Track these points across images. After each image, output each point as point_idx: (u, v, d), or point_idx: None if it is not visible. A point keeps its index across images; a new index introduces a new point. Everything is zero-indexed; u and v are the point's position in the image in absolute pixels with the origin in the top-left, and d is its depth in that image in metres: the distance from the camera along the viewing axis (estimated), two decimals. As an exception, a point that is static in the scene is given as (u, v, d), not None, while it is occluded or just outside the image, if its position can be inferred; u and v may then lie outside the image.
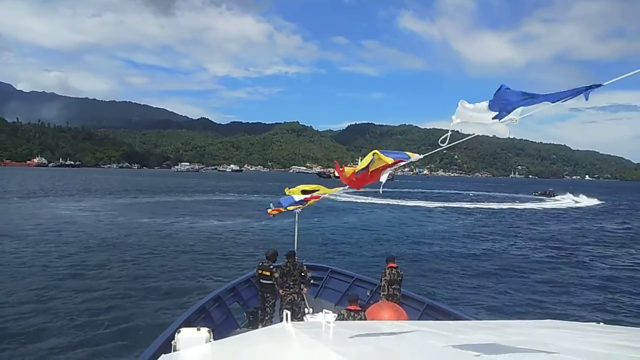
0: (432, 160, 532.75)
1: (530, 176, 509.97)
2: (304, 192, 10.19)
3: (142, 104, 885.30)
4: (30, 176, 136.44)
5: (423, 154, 4.73)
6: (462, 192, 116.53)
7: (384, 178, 4.92)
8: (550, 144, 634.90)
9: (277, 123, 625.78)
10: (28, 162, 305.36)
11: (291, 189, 10.56)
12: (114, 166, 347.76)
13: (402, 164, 4.85)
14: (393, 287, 9.81)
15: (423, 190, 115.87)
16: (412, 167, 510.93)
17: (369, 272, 15.39)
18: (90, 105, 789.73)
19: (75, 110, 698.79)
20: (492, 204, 72.14)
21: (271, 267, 10.12)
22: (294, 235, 12.36)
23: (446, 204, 68.34)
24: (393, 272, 9.90)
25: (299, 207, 10.74)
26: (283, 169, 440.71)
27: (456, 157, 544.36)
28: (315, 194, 10.02)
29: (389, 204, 65.49)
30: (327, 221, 39.78)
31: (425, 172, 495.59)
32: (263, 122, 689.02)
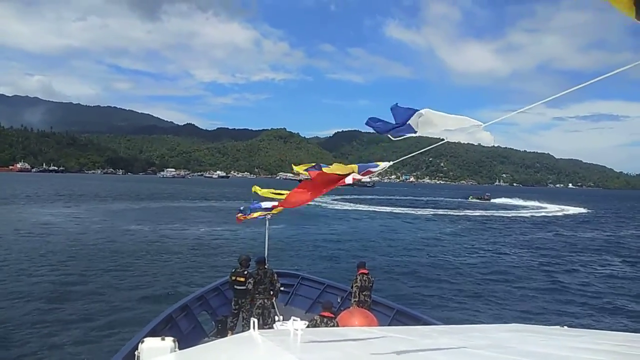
0: (418, 168, 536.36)
1: (514, 184, 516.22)
2: (274, 195, 10.11)
3: (128, 109, 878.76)
4: (13, 181, 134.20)
5: (392, 162, 4.86)
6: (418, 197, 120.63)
7: (340, 184, 5.15)
8: (534, 152, 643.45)
9: (264, 129, 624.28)
10: (11, 167, 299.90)
11: (262, 189, 10.48)
12: (99, 172, 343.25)
13: (370, 174, 5.06)
14: (364, 293, 9.86)
15: (389, 197, 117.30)
16: (399, 174, 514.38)
17: (341, 278, 15.62)
18: (75, 110, 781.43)
19: (59, 115, 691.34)
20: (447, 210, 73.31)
21: (245, 272, 10.10)
22: (265, 241, 12.33)
23: (410, 210, 69.86)
24: (364, 278, 9.94)
25: (268, 214, 10.65)
26: (270, 176, 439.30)
27: (442, 164, 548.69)
28: (281, 201, 9.73)
29: (362, 209, 66.81)
30: (299, 228, 39.71)
31: (412, 179, 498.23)
32: (250, 129, 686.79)
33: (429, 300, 17.99)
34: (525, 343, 3.55)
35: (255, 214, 10.82)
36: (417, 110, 3.91)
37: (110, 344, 11.49)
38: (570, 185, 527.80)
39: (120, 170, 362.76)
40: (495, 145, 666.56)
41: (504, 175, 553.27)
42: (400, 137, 4.15)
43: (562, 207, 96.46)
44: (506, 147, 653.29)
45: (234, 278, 10.07)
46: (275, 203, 9.84)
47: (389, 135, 4.21)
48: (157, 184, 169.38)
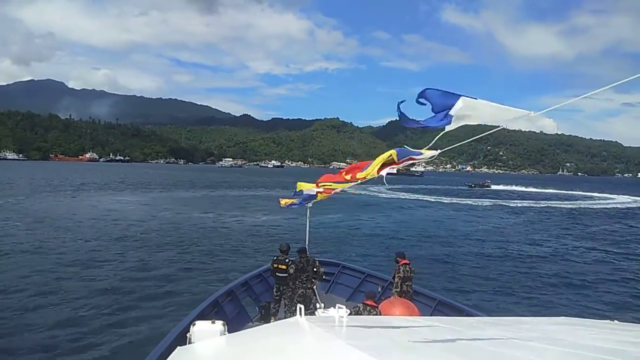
0: (475, 157, 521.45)
1: (579, 173, 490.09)
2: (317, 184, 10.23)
3: (187, 101, 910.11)
4: (83, 170, 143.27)
5: (439, 150, 4.64)
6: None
7: (384, 172, 5.01)
8: (601, 140, 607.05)
9: (317, 119, 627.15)
10: (80, 157, 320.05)
11: (303, 184, 10.38)
12: (162, 161, 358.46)
13: (412, 161, 4.94)
14: (406, 283, 9.82)
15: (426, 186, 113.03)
16: (455, 163, 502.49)
17: (380, 267, 15.66)
18: (138, 102, 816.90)
19: (123, 107, 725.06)
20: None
21: (287, 260, 10.30)
22: (306, 230, 12.40)
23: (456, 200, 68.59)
24: (407, 268, 9.91)
25: (310, 202, 10.71)
26: (323, 165, 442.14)
27: (501, 153, 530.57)
28: (327, 187, 9.61)
29: (411, 198, 66.78)
30: (339, 217, 39.77)
31: (469, 168, 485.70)
32: (303, 119, 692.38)
33: (471, 291, 17.76)
34: (576, 336, 3.50)
35: (297, 200, 10.87)
36: (459, 96, 3.68)
37: (159, 326, 11.92)
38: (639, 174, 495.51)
39: (182, 160, 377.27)
40: (559, 133, 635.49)
41: (567, 164, 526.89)
42: (435, 128, 3.94)
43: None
44: (570, 135, 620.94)
45: (275, 265, 10.36)
46: (320, 190, 9.69)
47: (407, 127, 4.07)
48: (217, 173, 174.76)
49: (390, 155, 4.87)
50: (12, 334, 11.72)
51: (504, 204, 64.33)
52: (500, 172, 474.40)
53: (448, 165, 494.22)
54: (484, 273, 20.96)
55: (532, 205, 63.85)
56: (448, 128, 3.86)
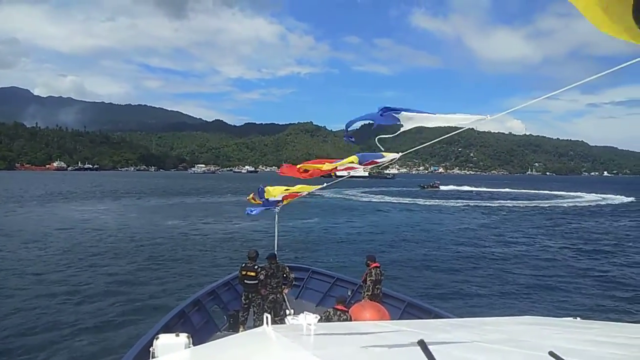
0: (447, 159, 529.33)
1: (547, 173, 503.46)
2: (283, 191, 10.04)
3: (158, 107, 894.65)
4: (50, 179, 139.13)
5: (401, 152, 5.01)
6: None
7: (345, 173, 5.30)
8: (568, 140, 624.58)
9: (290, 123, 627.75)
10: (47, 166, 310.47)
11: (272, 190, 10.18)
12: (132, 169, 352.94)
13: (374, 164, 5.18)
14: (377, 286, 9.89)
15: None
16: (427, 165, 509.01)
17: (349, 271, 15.65)
18: (107, 109, 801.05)
19: (91, 114, 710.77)
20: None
21: (255, 267, 10.16)
22: (275, 235, 12.26)
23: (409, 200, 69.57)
24: (377, 271, 9.96)
25: (277, 206, 10.64)
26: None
27: (472, 154, 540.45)
28: (292, 191, 9.87)
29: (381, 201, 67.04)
30: (306, 222, 39.56)
31: (441, 170, 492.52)
32: (277, 123, 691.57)
33: (440, 292, 17.92)
34: (540, 337, 3.57)
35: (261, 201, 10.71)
36: (406, 111, 4.06)
37: (124, 338, 11.69)
38: (605, 173, 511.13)
39: (153, 167, 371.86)
40: (527, 133, 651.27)
41: (536, 164, 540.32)
42: (386, 125, 4.34)
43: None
44: (538, 136, 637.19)
45: (244, 272, 10.19)
46: (286, 194, 9.91)
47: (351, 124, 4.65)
48: (189, 179, 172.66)
49: (352, 161, 5.09)
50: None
51: (463, 204, 65.68)
52: (472, 173, 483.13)
53: (421, 167, 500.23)
54: (451, 273, 21.22)
55: (488, 204, 65.76)
56: (404, 128, 4.10)
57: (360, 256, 19.37)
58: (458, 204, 65.56)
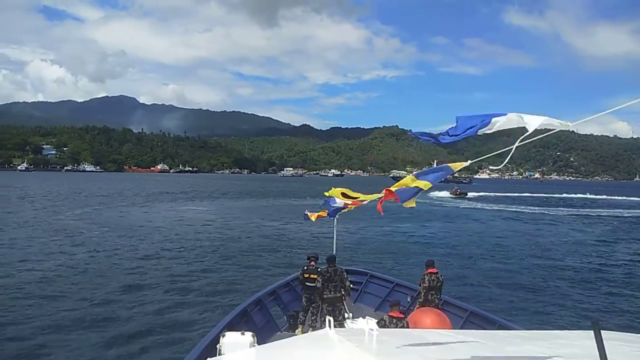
0: (544, 163, 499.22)
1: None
2: (344, 195, 9.86)
3: (250, 113, 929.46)
4: (156, 181, 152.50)
5: (472, 160, 4.89)
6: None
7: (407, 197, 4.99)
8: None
9: (376, 127, 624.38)
10: (152, 168, 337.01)
11: (332, 191, 10.13)
12: (227, 172, 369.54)
13: (441, 178, 4.98)
14: (431, 293, 9.55)
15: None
16: (522, 170, 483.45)
17: (410, 277, 15.14)
18: (204, 115, 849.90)
19: (191, 120, 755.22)
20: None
21: (318, 270, 10.27)
22: (333, 239, 12.35)
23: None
24: (433, 277, 9.62)
25: (339, 213, 10.71)
26: (383, 173, 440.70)
27: (572, 159, 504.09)
28: (356, 200, 9.57)
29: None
30: (366, 226, 39.09)
31: (537, 175, 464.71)
32: (362, 127, 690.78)
33: (503, 301, 17.36)
34: (621, 354, 3.36)
35: (325, 212, 11.02)
36: (493, 116, 3.86)
37: (188, 334, 12.20)
38: None
39: (245, 170, 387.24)
40: (635, 136, 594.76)
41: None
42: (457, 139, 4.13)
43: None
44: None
45: (306, 275, 10.41)
46: (349, 202, 9.68)
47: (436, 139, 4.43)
48: (279, 182, 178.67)
49: (416, 184, 4.79)
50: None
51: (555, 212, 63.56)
52: (572, 178, 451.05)
53: (515, 173, 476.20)
54: (521, 283, 20.54)
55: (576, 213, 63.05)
56: (495, 128, 3.89)
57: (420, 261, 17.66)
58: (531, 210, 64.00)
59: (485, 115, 3.98)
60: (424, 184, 4.78)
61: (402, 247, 29.73)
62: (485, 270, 23.32)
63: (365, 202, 8.69)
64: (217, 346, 5.24)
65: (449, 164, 4.82)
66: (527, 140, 4.02)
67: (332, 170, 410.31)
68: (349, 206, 9.76)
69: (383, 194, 5.38)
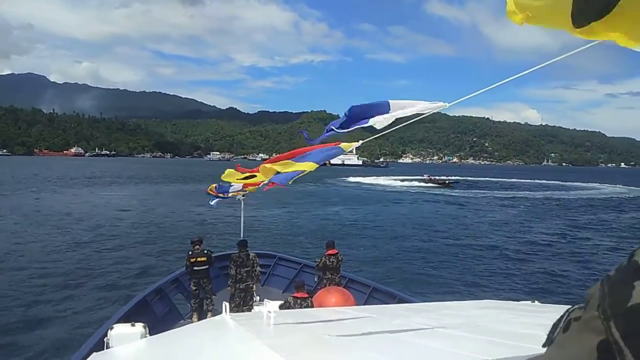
0: (461, 149, 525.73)
1: (564, 164, 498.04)
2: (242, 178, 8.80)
3: (172, 94, 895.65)
4: (71, 165, 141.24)
5: (360, 141, 4.95)
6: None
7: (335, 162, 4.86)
8: (585, 130, 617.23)
9: (304, 112, 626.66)
10: (65, 151, 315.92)
11: (227, 175, 8.93)
12: (148, 155, 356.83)
13: (333, 157, 5.05)
14: (330, 272, 9.86)
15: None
16: (441, 155, 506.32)
17: (318, 257, 15.01)
18: (122, 95, 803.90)
19: (107, 101, 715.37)
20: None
21: (205, 251, 10.18)
22: (240, 223, 12.11)
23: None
24: (332, 259, 9.89)
25: (240, 193, 9.91)
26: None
27: (487, 144, 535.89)
28: (253, 180, 8.37)
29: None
30: (273, 209, 38.54)
31: (455, 160, 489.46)
32: (290, 111, 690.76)
33: (408, 277, 18.06)
34: (497, 321, 3.62)
35: (231, 194, 9.99)
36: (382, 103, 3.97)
37: (85, 330, 11.29)
38: (622, 164, 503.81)
39: (168, 154, 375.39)
40: (544, 124, 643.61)
41: (552, 154, 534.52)
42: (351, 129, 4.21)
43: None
44: (554, 126, 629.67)
45: (192, 260, 10.04)
46: (248, 181, 8.59)
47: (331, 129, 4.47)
48: (207, 167, 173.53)
49: (307, 169, 4.93)
50: None
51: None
52: (487, 163, 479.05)
53: (435, 157, 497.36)
54: (432, 260, 21.37)
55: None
56: (381, 125, 3.99)
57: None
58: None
59: (378, 105, 4.05)
60: (310, 165, 4.90)
61: (316, 230, 29.34)
62: (394, 249, 23.76)
63: (259, 185, 8.01)
64: (105, 339, 5.10)
65: (341, 144, 4.86)
66: (406, 122, 4.24)
67: (261, 155, 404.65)
68: (248, 187, 8.92)
69: (268, 183, 5.81)
